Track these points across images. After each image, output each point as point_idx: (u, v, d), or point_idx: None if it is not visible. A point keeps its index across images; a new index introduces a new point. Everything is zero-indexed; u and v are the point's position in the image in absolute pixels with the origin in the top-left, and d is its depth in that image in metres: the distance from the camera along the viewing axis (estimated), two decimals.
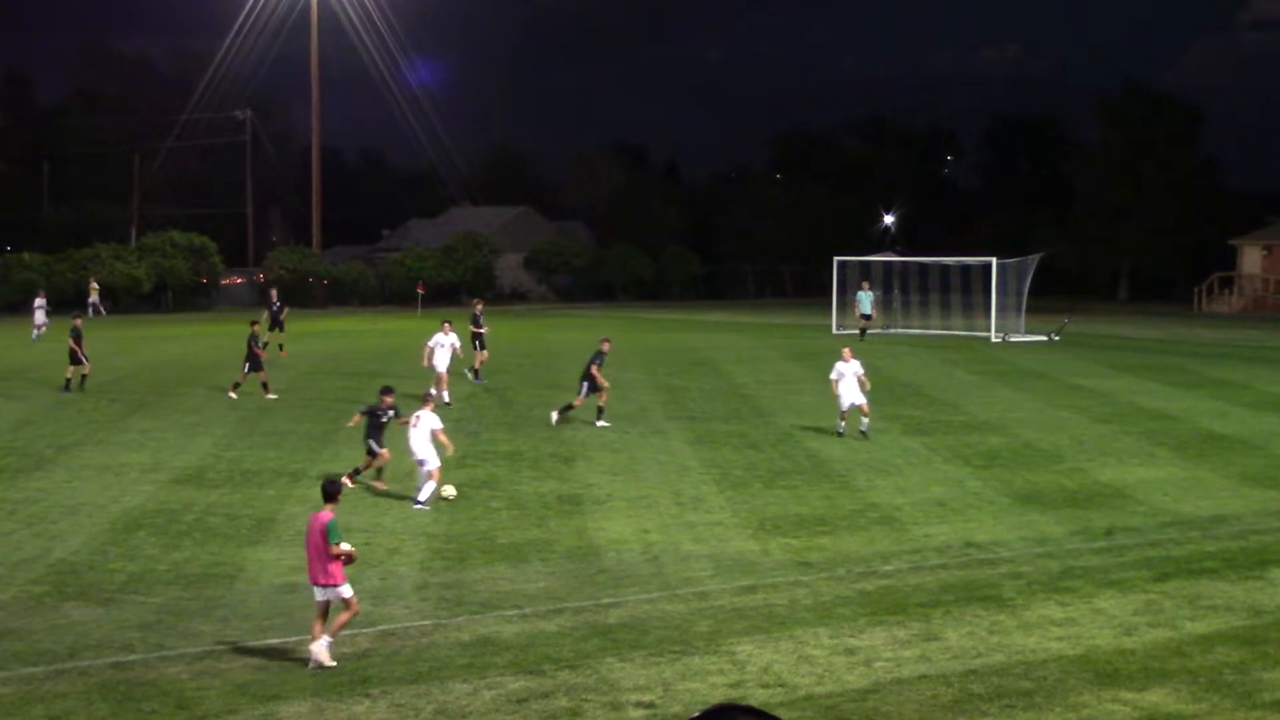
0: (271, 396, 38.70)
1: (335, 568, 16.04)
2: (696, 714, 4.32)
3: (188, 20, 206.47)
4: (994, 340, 61.23)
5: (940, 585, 19.85)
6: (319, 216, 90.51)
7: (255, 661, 16.19)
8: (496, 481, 27.31)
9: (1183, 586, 19.90)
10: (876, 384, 41.94)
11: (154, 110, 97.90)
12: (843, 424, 32.92)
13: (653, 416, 36.13)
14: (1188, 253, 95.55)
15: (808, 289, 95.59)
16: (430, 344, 38.75)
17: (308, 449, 30.80)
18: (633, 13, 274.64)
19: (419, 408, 26.22)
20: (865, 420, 32.67)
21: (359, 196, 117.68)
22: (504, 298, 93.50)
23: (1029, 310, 65.76)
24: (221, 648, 16.64)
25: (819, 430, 33.84)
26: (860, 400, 32.51)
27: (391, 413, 26.73)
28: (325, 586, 16.08)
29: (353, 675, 15.67)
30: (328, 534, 15.97)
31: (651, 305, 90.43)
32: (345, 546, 16.23)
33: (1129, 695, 15.19)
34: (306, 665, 15.94)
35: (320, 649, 15.90)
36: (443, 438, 25.47)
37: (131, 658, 16.26)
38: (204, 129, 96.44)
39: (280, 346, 50.18)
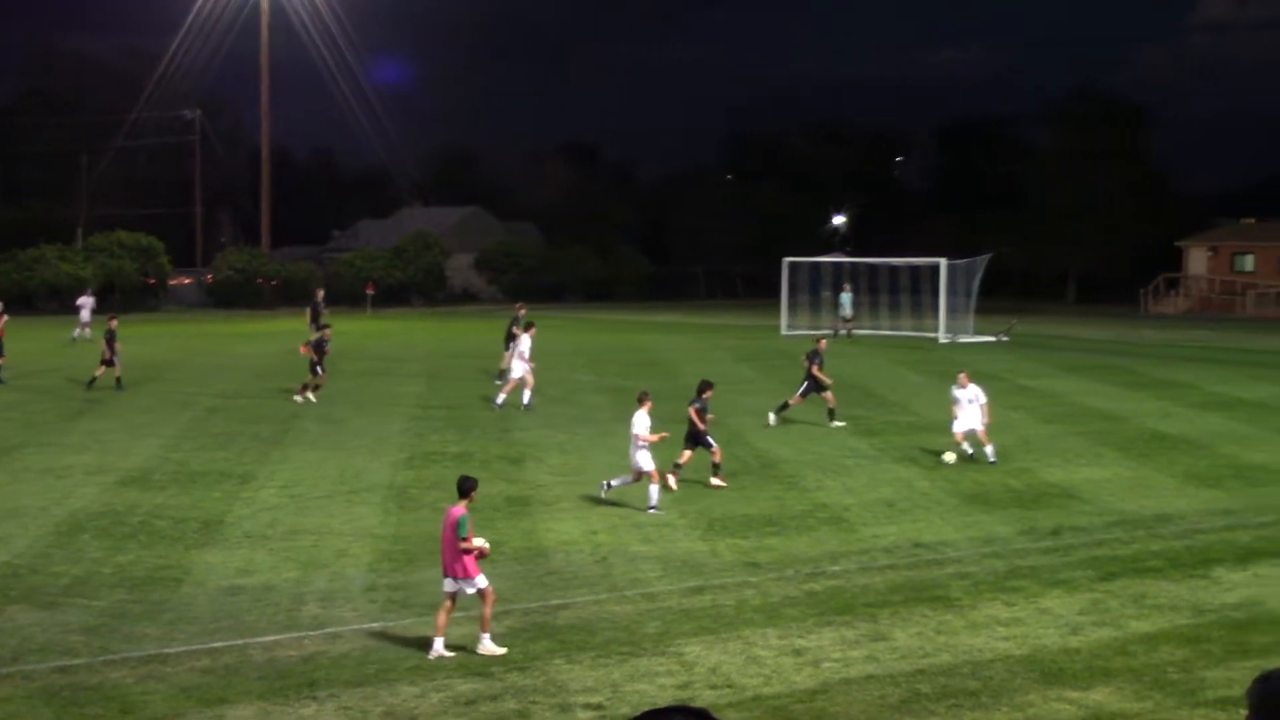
0: (312, 399, 38.44)
1: (468, 561, 16.66)
2: (638, 715, 4.31)
3: (139, 18, 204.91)
4: (943, 341, 61.50)
5: (888, 585, 19.92)
6: (268, 217, 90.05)
7: (201, 665, 16.10)
8: (445, 483, 27.16)
9: (1128, 586, 20.03)
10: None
11: (104, 109, 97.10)
12: (962, 448, 30.12)
13: (601, 418, 36.11)
14: (1135, 254, 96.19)
15: (758, 290, 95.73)
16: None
17: (257, 451, 30.63)
18: (586, 12, 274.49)
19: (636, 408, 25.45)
20: (988, 449, 29.97)
21: (309, 196, 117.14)
22: (455, 298, 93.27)
23: (978, 311, 66.06)
24: (167, 651, 16.54)
25: (768, 431, 33.89)
26: (978, 426, 30.02)
27: None
28: (457, 579, 16.68)
29: (299, 678, 15.60)
30: (458, 528, 16.58)
31: (602, 306, 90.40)
32: (478, 541, 16.83)
33: (1074, 694, 15.29)
34: (429, 654, 16.36)
35: (486, 645, 16.57)
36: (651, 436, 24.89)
37: (75, 662, 16.13)
38: (153, 128, 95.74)
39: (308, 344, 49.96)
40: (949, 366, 49.12)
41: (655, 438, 24.98)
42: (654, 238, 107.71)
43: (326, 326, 40.87)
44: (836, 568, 20.97)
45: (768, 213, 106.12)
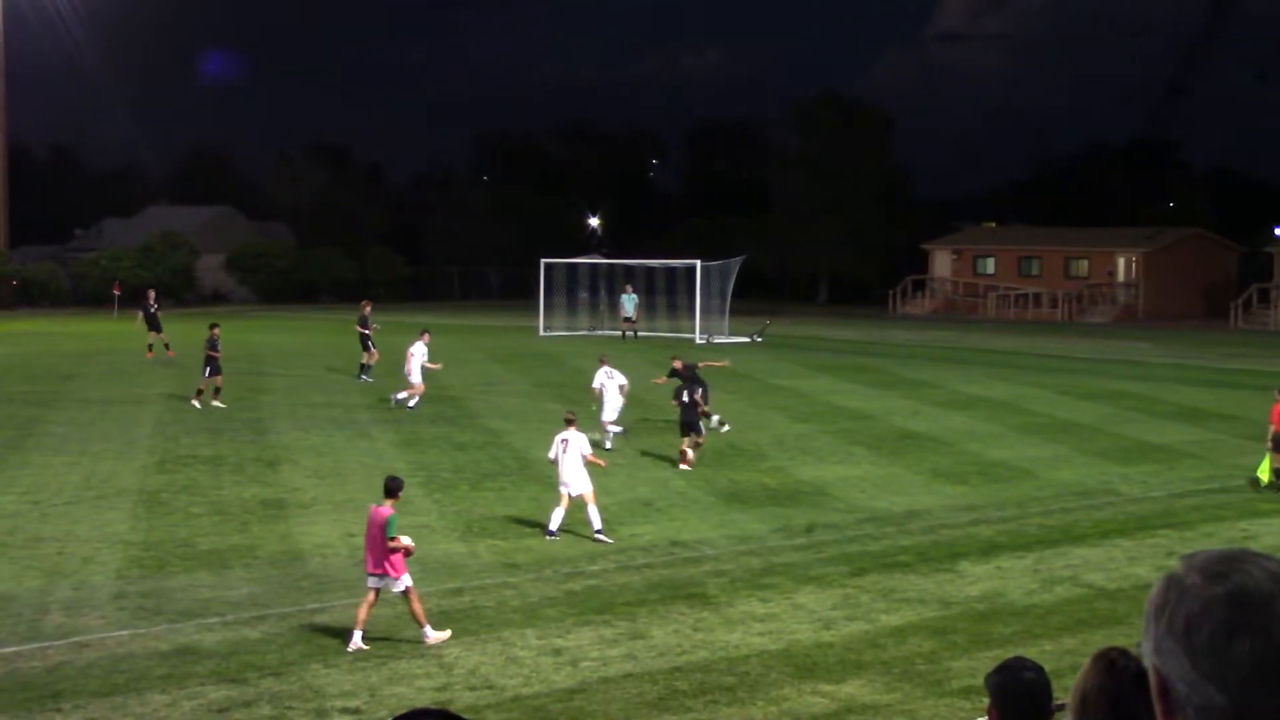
0: (217, 404, 37.27)
1: (396, 559, 16.94)
2: None
3: None
4: (699, 342, 62.16)
5: (646, 584, 20.09)
6: (5, 214, 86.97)
7: None
8: (198, 486, 26.65)
9: (878, 580, 20.53)
10: (583, 386, 42.23)
11: None
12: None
13: (358, 419, 35.73)
14: (883, 256, 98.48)
15: (514, 291, 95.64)
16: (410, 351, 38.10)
17: None
18: (334, 11, 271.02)
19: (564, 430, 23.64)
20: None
21: (49, 194, 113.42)
22: (205, 299, 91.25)
23: (732, 312, 66.98)
24: None
25: (525, 432, 33.91)
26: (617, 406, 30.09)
27: None
28: (382, 576, 16.94)
29: (43, 689, 15.11)
30: (387, 527, 16.83)
31: (356, 307, 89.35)
32: (404, 540, 17.06)
33: (827, 687, 15.61)
34: (348, 645, 16.60)
35: (431, 635, 16.93)
36: (595, 460, 23.77)
37: None
38: None
39: (166, 346, 48.81)
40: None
41: (601, 462, 24.51)
42: (407, 239, 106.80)
43: (215, 325, 39.28)
44: (595, 567, 21.08)
45: (523, 214, 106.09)
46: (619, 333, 62.92)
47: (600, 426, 31.21)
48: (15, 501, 24.97)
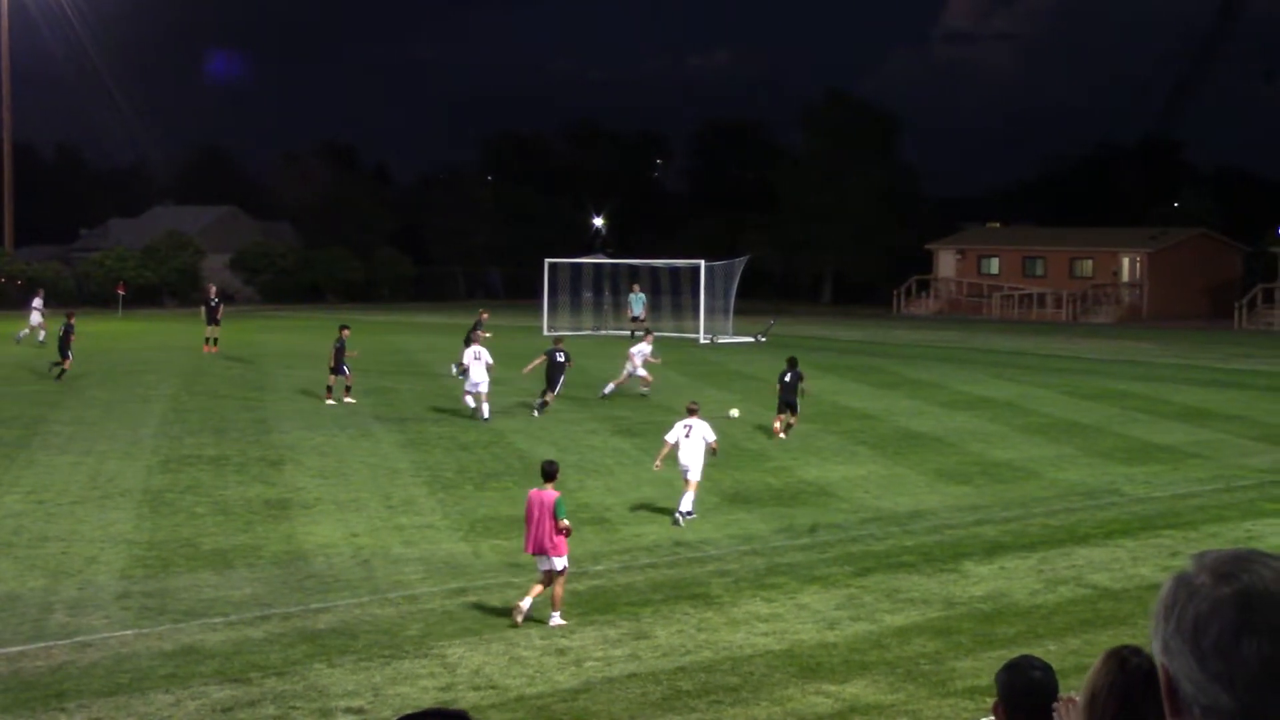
0: (349, 400, 38.47)
1: (560, 540, 17.84)
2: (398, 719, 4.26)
3: None
4: (703, 341, 62.18)
5: (650, 584, 20.08)
6: (11, 214, 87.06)
7: None
8: (201, 486, 26.66)
9: (882, 581, 20.51)
10: (587, 385, 42.24)
11: None
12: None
13: (362, 419, 35.73)
14: (887, 256, 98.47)
15: (519, 291, 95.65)
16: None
17: (0, 456, 29.56)
18: (341, 11, 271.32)
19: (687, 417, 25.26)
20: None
21: (55, 194, 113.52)
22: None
23: (736, 312, 66.97)
24: None
25: (530, 432, 33.91)
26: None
27: None
28: (551, 556, 17.79)
29: (46, 689, 15.11)
30: (557, 509, 17.80)
31: (362, 307, 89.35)
32: (567, 523, 17.99)
33: (831, 687, 15.59)
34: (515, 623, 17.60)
35: (557, 620, 17.77)
36: (715, 445, 25.16)
37: None
38: None
39: (215, 341, 52.09)
40: (710, 367, 49.83)
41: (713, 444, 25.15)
42: (414, 238, 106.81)
43: (345, 327, 40.24)
44: (599, 567, 21.07)
45: (528, 214, 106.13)
46: (628, 332, 62.89)
47: (469, 394, 35.99)
48: (20, 501, 24.98)
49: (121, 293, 78.32)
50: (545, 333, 64.85)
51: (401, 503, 25.44)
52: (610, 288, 72.81)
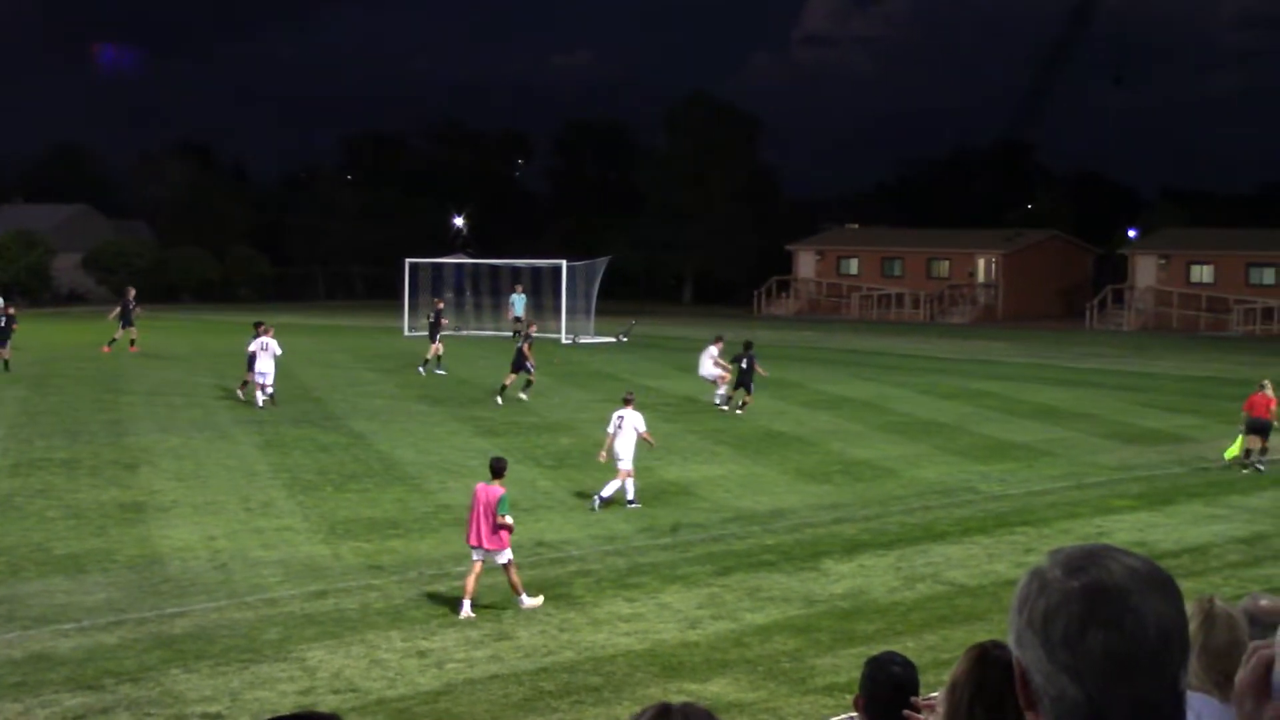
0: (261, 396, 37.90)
1: (502, 535, 18.40)
2: None
3: None
4: (565, 342, 62.18)
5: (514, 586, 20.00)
6: None
7: None
8: (52, 490, 26.12)
9: (743, 579, 20.64)
10: (448, 386, 42.09)
11: None
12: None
13: (219, 421, 35.25)
14: (748, 257, 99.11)
15: (380, 291, 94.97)
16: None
17: None
18: (198, 8, 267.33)
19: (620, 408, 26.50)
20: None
21: None
22: (61, 299, 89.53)
23: (598, 312, 67.02)
24: None
25: (390, 433, 33.69)
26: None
27: None
28: (489, 551, 18.40)
29: None
30: (500, 505, 18.32)
31: (219, 307, 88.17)
32: (509, 519, 18.50)
33: (693, 686, 15.65)
34: (459, 614, 18.08)
35: (527, 602, 18.61)
36: (648, 437, 26.22)
37: None
38: None
39: (132, 343, 51.82)
40: (571, 367, 49.83)
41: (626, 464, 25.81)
42: (273, 238, 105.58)
43: (260, 324, 39.63)
44: (460, 569, 20.94)
45: (388, 213, 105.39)
46: (509, 333, 62.62)
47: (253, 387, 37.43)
48: None
49: None
50: (406, 334, 64.49)
51: (260, 505, 25.13)
52: (471, 288, 72.53)
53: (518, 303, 63.69)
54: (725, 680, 15.91)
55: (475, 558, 18.52)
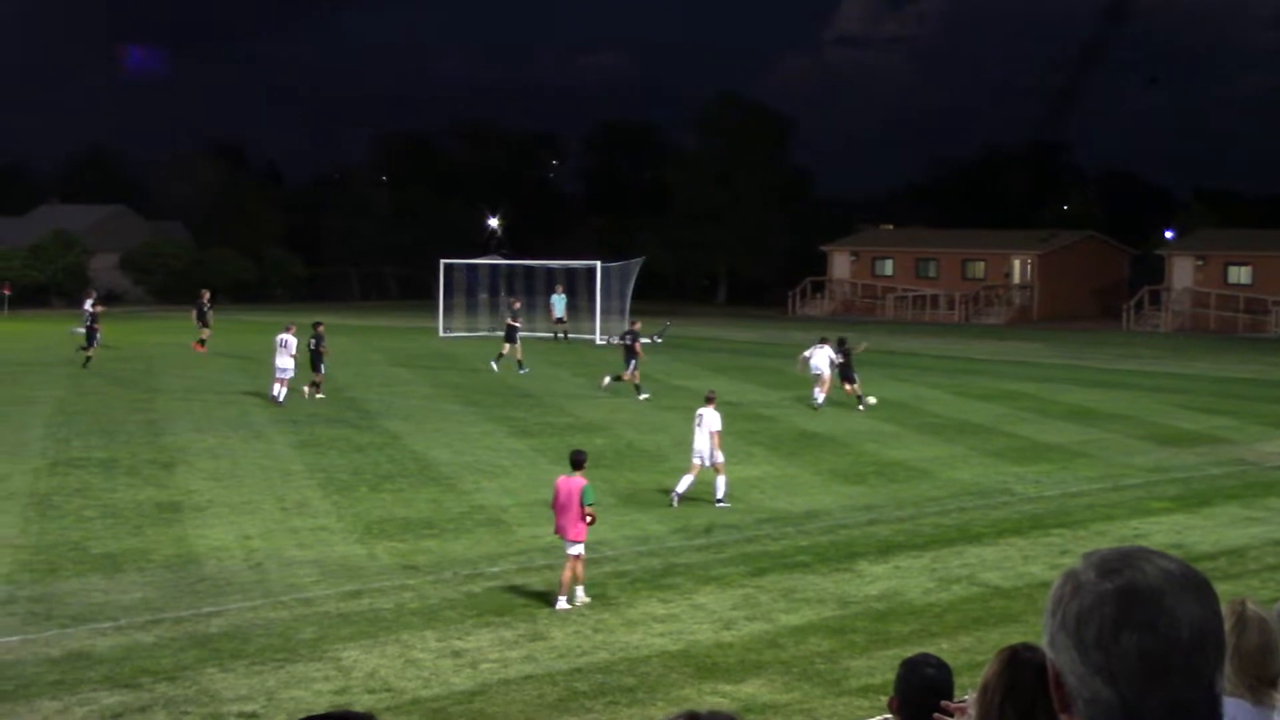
0: (320, 396, 39.40)
1: (582, 526, 18.80)
2: None
3: None
4: (599, 343, 62.18)
5: (546, 585, 20.04)
6: None
7: None
8: (90, 489, 26.28)
9: (778, 580, 20.62)
10: (482, 387, 42.18)
11: None
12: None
13: (255, 421, 35.39)
14: (781, 257, 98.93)
15: (413, 292, 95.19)
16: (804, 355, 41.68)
17: None
18: (231, 8, 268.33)
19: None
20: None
21: None
22: (99, 300, 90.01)
23: (631, 313, 66.94)
24: None
25: (424, 434, 33.78)
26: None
27: None
28: (574, 542, 18.75)
29: None
30: (584, 495, 18.75)
31: (254, 308, 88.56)
32: (593, 510, 19.01)
33: (727, 687, 15.66)
34: (553, 606, 18.68)
35: (582, 596, 19.01)
36: (715, 437, 26.26)
37: None
38: None
39: (202, 342, 53.20)
40: (604, 368, 49.79)
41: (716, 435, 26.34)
42: (305, 239, 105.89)
43: (319, 324, 41.18)
44: (495, 569, 21.02)
45: (421, 214, 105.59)
46: (551, 334, 62.82)
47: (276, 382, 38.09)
48: None
49: (6, 293, 77.06)
50: (441, 334, 64.65)
51: (295, 505, 25.23)
52: (506, 288, 72.64)
53: (559, 303, 63.76)
54: (760, 681, 15.90)
55: (570, 552, 19.01)
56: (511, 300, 55.28)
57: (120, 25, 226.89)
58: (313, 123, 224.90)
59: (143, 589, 19.42)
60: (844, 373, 40.50)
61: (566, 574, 18.93)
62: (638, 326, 45.16)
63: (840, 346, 40.87)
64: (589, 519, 18.92)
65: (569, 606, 18.75)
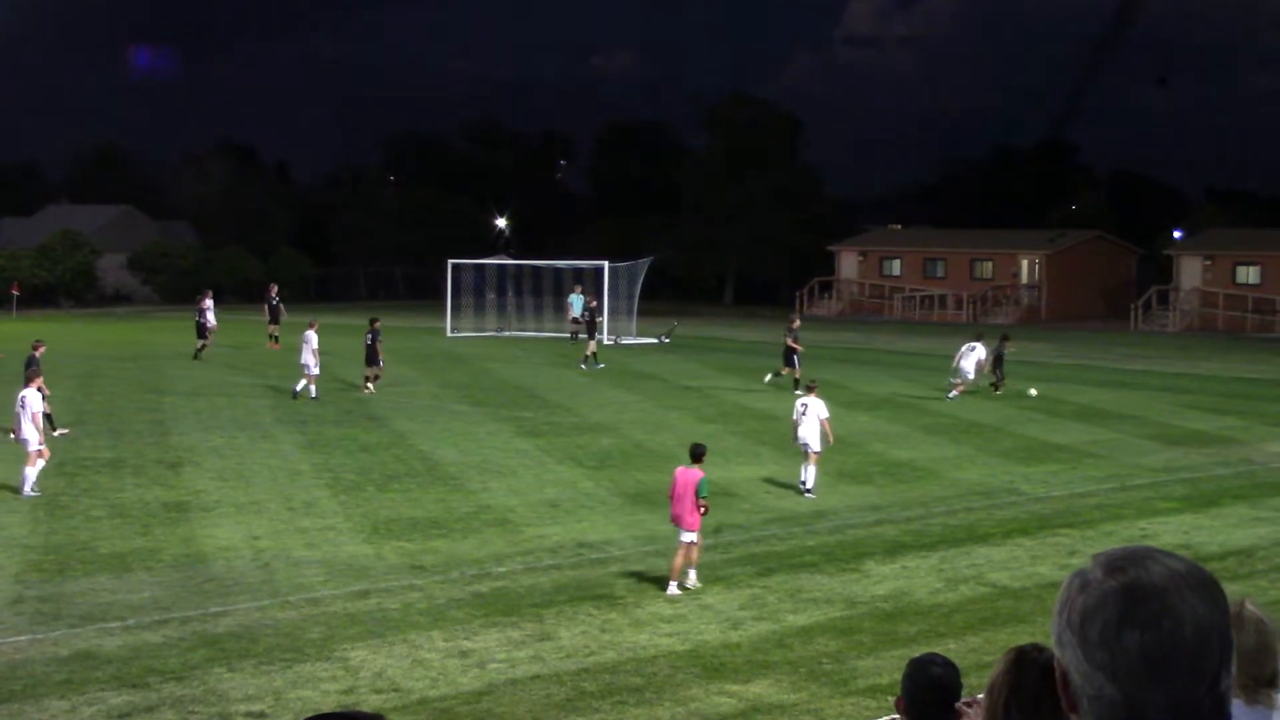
0: (369, 390, 40.82)
1: (697, 517, 19.59)
2: None
3: None
4: (607, 342, 62.14)
5: (553, 585, 20.06)
6: None
7: None
8: (98, 489, 26.31)
9: (785, 581, 20.61)
10: (490, 387, 42.21)
11: None
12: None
13: (262, 421, 35.42)
14: (790, 257, 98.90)
15: (421, 291, 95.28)
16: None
17: None
18: (239, 8, 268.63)
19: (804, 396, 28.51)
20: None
21: None
22: (107, 299, 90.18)
23: (640, 313, 67.03)
24: None
25: (432, 434, 33.79)
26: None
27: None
28: (688, 530, 19.59)
29: None
30: (700, 487, 19.57)
31: (262, 307, 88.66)
32: (706, 502, 19.77)
33: (734, 687, 15.65)
34: (666, 590, 19.58)
35: (693, 578, 19.97)
36: (827, 424, 27.43)
37: None
38: None
39: (275, 339, 55.52)
40: (613, 368, 49.82)
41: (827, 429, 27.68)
42: (314, 239, 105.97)
43: (375, 319, 42.79)
44: (502, 569, 21.02)
45: (430, 214, 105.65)
46: (568, 334, 62.81)
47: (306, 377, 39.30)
48: None
49: (15, 293, 77.15)
50: (449, 334, 64.68)
51: (303, 505, 25.25)
52: (514, 288, 72.67)
53: (576, 303, 63.78)
54: (767, 681, 15.90)
55: (682, 539, 19.82)
56: (589, 299, 56.37)
57: (129, 25, 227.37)
58: (323, 122, 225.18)
59: (150, 589, 19.44)
60: (996, 369, 43.19)
61: (679, 560, 19.77)
62: (796, 324, 47.12)
63: (1001, 343, 44.11)
64: (703, 509, 19.66)
65: (679, 592, 19.57)
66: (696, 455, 20.23)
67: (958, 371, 42.78)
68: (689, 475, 19.85)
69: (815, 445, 27.15)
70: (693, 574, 19.97)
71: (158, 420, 35.19)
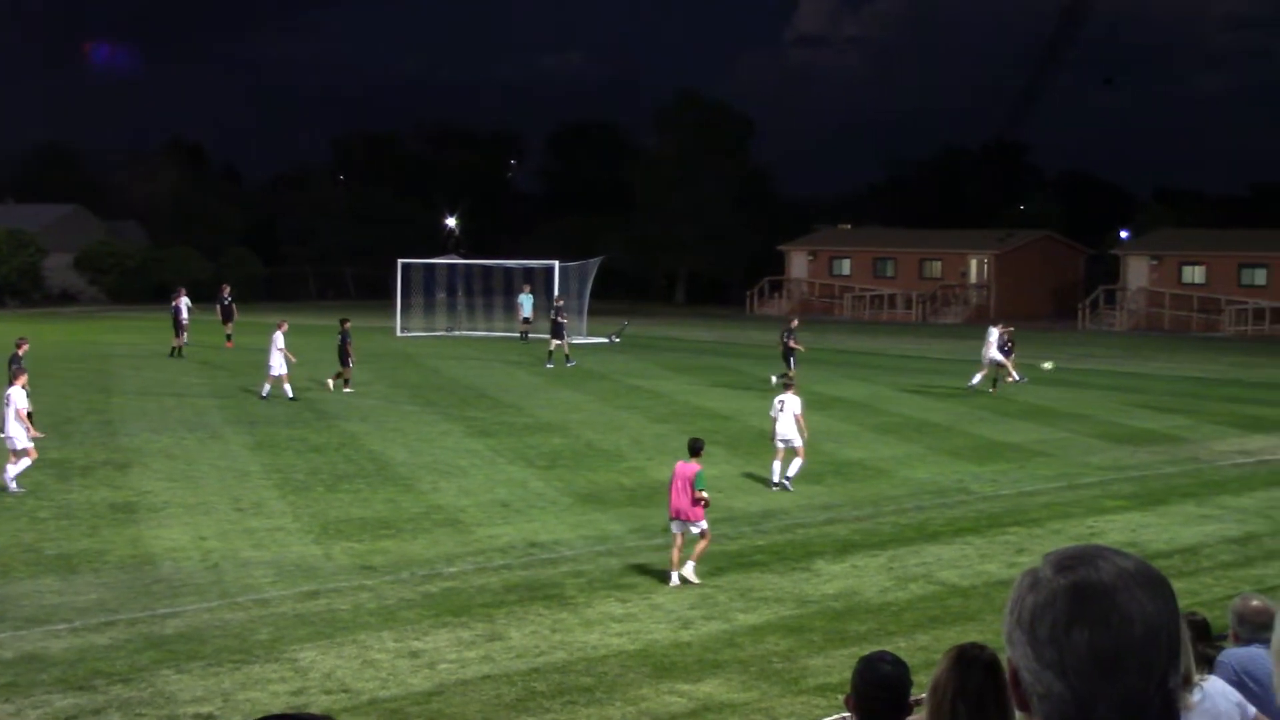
0: (348, 390, 41.25)
1: (699, 509, 19.98)
2: None
3: None
4: (556, 342, 62.05)
5: (504, 585, 20.02)
6: None
7: None
8: (44, 490, 26.09)
9: (736, 580, 20.64)
10: (440, 387, 42.09)
11: None
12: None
13: (211, 421, 35.22)
14: (741, 257, 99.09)
15: (371, 291, 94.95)
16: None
17: None
18: (191, 8, 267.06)
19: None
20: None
21: None
22: (53, 299, 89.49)
23: (591, 313, 67.01)
24: None
25: (382, 434, 33.67)
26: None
27: None
28: (686, 522, 20.02)
29: None
30: (695, 481, 19.93)
31: (211, 307, 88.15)
32: (705, 494, 20.06)
33: (685, 687, 15.65)
34: (668, 583, 19.94)
35: (688, 571, 20.19)
36: (800, 420, 27.83)
37: None
38: None
39: (229, 338, 56.21)
40: (561, 368, 49.77)
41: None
42: (265, 238, 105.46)
43: (345, 320, 43.11)
44: (453, 569, 20.96)
45: (380, 214, 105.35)
46: (517, 335, 62.75)
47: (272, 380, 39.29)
48: None
49: None
50: (398, 334, 64.48)
51: (251, 505, 25.11)
52: (464, 288, 72.52)
53: (526, 303, 63.75)
54: (717, 681, 15.91)
55: (674, 530, 20.24)
56: (555, 299, 56.15)
57: (75, 24, 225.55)
58: (273, 122, 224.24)
59: (97, 590, 19.29)
60: (1005, 353, 44.56)
61: (701, 545, 20.22)
62: (795, 324, 47.93)
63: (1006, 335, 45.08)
64: (703, 502, 20.06)
65: (679, 583, 20.00)
66: (695, 449, 20.70)
67: (985, 360, 44.68)
68: (687, 469, 20.23)
69: (796, 440, 27.67)
70: (692, 565, 20.27)
71: (105, 420, 34.94)
